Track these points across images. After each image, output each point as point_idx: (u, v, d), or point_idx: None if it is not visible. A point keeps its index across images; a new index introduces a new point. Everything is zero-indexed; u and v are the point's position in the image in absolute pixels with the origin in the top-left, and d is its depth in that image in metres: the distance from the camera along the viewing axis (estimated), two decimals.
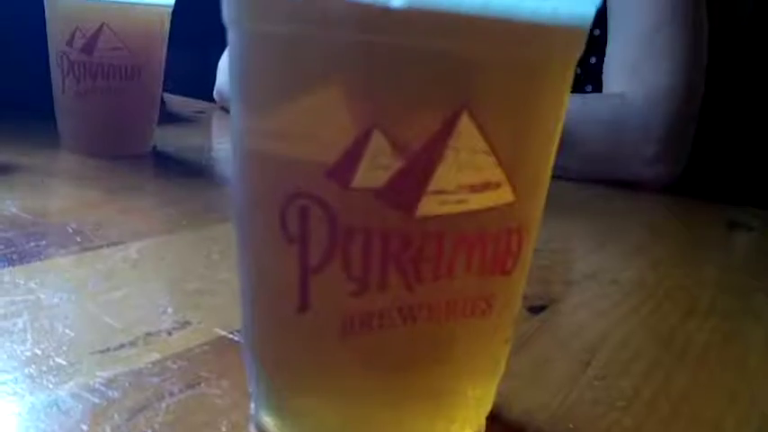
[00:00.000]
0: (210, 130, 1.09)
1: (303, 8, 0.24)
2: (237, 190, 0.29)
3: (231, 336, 0.39)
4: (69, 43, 0.77)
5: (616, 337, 0.45)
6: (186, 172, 0.78)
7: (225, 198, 0.68)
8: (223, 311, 0.42)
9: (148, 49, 0.80)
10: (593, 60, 1.06)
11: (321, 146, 0.26)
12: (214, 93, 1.22)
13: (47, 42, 0.80)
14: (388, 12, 0.23)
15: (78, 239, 0.53)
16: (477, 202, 0.26)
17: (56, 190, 0.67)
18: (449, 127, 0.25)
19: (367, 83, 0.25)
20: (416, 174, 0.25)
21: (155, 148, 0.85)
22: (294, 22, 0.25)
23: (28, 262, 0.48)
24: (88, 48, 0.76)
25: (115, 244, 0.53)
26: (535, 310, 0.48)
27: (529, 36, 0.25)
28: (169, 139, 0.89)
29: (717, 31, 1.07)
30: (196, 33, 1.46)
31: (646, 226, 0.80)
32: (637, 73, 0.98)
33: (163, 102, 0.90)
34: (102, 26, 0.76)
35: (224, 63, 1.21)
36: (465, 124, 0.25)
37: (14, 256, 0.48)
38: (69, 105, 0.79)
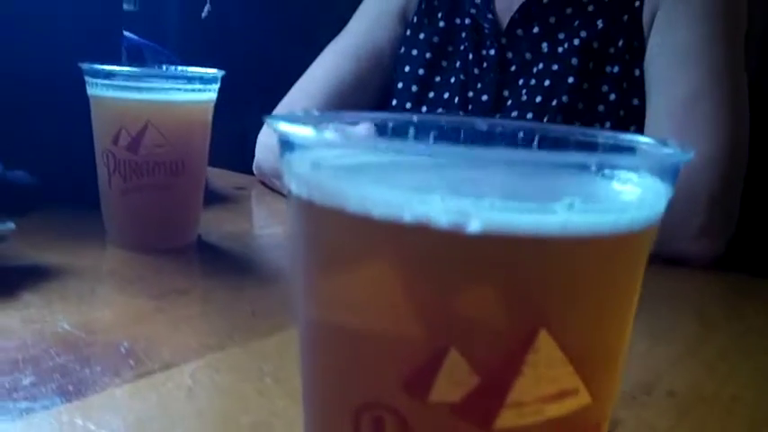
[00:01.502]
0: (251, 211, 1.10)
1: (380, 232, 0.24)
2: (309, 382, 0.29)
3: None
4: (115, 142, 0.78)
5: None
6: (231, 268, 0.78)
7: (269, 300, 0.68)
8: None
9: (192, 144, 0.81)
10: (632, 130, 1.05)
11: (397, 355, 0.25)
12: (254, 167, 1.23)
13: (93, 138, 0.81)
14: (464, 237, 0.23)
15: (131, 362, 0.53)
16: (556, 410, 0.26)
17: (105, 298, 0.68)
18: (526, 344, 0.25)
19: (441, 301, 0.24)
20: (494, 389, 0.25)
21: (199, 237, 0.85)
22: (372, 252, 0.25)
23: (84, 395, 0.48)
24: (133, 146, 0.77)
25: (168, 367, 0.53)
26: None
27: (607, 250, 0.25)
28: (212, 225, 0.90)
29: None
30: (235, 105, 1.47)
31: (695, 315, 0.79)
32: (679, 142, 0.97)
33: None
34: (146, 125, 0.77)
35: (263, 138, 1.22)
36: (543, 340, 0.25)
37: (70, 387, 0.48)
38: (116, 202, 0.80)
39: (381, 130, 0.32)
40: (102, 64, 0.80)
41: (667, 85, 1.01)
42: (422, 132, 0.31)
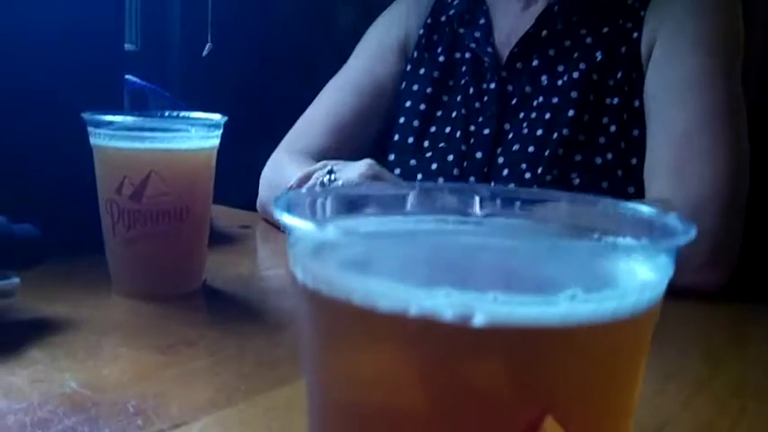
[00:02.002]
0: (256, 251, 1.10)
1: (386, 325, 0.25)
2: None
3: None
4: (118, 191, 0.78)
5: None
6: (237, 315, 0.78)
7: (276, 351, 0.68)
8: None
9: (196, 191, 0.81)
10: (633, 161, 1.05)
11: None
12: (257, 204, 1.23)
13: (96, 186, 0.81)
14: (469, 329, 0.23)
15: (140, 422, 0.53)
16: None
17: (111, 351, 0.68)
18: (533, 427, 0.25)
19: (448, 390, 0.24)
20: None
21: (205, 281, 0.86)
22: (378, 341, 0.25)
23: None
24: (137, 196, 0.77)
25: (177, 426, 0.53)
26: None
27: (610, 336, 0.25)
28: (217, 268, 0.90)
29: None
30: (238, 141, 1.48)
31: (704, 350, 0.79)
32: (679, 178, 0.97)
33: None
34: (149, 174, 0.77)
35: (267, 175, 1.22)
36: (550, 426, 0.25)
37: None
38: (120, 251, 0.80)
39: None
40: (105, 109, 0.81)
41: (667, 118, 1.02)
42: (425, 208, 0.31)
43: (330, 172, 1.04)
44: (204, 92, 1.43)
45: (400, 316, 0.24)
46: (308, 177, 1.07)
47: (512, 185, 1.08)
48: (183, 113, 0.86)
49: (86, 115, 0.79)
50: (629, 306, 0.25)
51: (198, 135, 0.81)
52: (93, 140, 0.80)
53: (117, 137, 0.78)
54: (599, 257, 0.26)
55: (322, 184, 1.03)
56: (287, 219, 0.26)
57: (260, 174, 1.26)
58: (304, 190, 1.05)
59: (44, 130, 0.90)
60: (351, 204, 0.32)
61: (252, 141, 1.46)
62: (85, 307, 0.76)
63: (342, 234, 0.26)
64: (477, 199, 0.34)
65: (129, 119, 0.79)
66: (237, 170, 1.52)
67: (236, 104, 1.45)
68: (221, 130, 0.83)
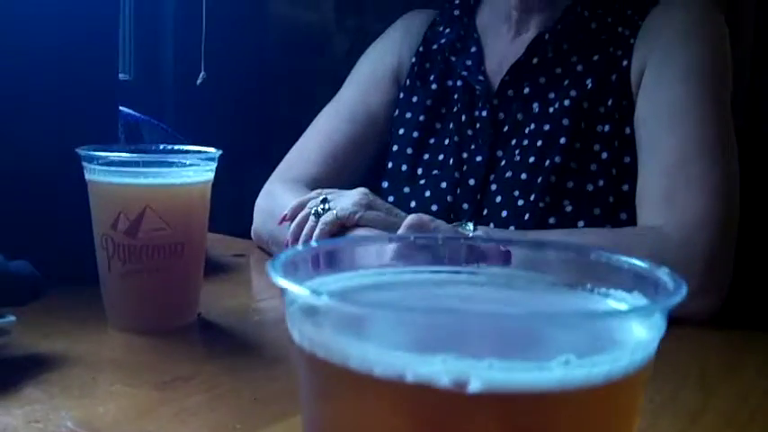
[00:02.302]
0: (251, 282, 1.10)
1: (382, 390, 0.25)
2: None
3: None
4: (113, 226, 0.78)
5: None
6: (233, 349, 0.79)
7: (272, 386, 0.68)
8: None
9: (192, 225, 0.81)
10: (625, 188, 1.06)
11: None
12: (252, 233, 1.23)
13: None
14: (465, 395, 0.24)
15: None
16: None
17: (107, 388, 0.68)
18: None
19: None
20: None
21: (199, 314, 0.86)
22: (374, 405, 0.25)
23: None
24: (132, 231, 0.78)
25: None
26: None
27: (604, 397, 0.25)
28: (212, 300, 0.90)
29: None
30: (232, 169, 1.48)
31: (697, 379, 0.79)
32: (671, 205, 0.98)
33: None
34: (145, 209, 0.77)
35: (261, 203, 1.22)
36: None
37: None
38: (115, 285, 0.80)
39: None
40: (100, 141, 0.82)
41: (658, 146, 1.03)
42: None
43: (324, 201, 1.05)
44: (199, 120, 1.44)
45: (396, 381, 0.24)
46: (301, 206, 1.07)
47: (504, 213, 1.09)
48: (177, 147, 0.87)
49: (81, 150, 0.79)
50: (622, 368, 0.25)
51: (193, 169, 0.81)
52: (87, 176, 0.80)
53: (112, 172, 0.78)
54: (594, 321, 0.26)
55: (316, 213, 1.04)
56: (282, 282, 0.26)
57: (254, 201, 1.27)
58: (298, 219, 1.06)
59: (38, 162, 0.90)
60: (346, 258, 0.32)
61: (247, 168, 1.46)
62: (81, 342, 0.77)
63: (336, 301, 0.26)
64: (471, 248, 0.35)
65: (123, 155, 0.79)
66: (232, 197, 1.52)
67: (232, 131, 1.47)
68: (216, 163, 0.83)
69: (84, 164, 0.80)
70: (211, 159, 0.82)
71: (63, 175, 0.84)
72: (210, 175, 0.83)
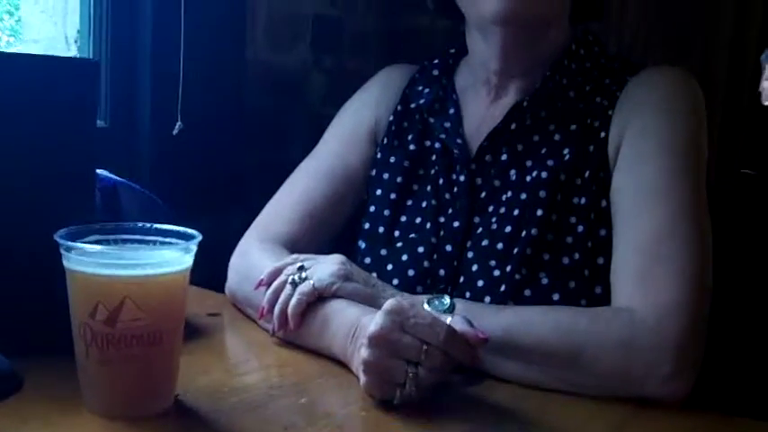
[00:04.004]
0: (227, 350, 1.10)
1: None
2: None
3: None
4: (92, 316, 0.78)
5: None
6: None
7: None
8: None
9: (170, 314, 0.81)
10: (600, 261, 1.07)
11: None
12: (226, 290, 1.23)
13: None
14: None
15: None
16: None
17: None
18: None
19: None
20: None
21: (177, 396, 0.86)
22: None
23: None
24: (111, 321, 0.78)
25: None
26: None
27: None
28: (189, 377, 0.89)
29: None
30: (208, 220, 1.48)
31: None
32: (645, 284, 0.99)
33: None
34: (124, 300, 0.77)
35: (236, 262, 1.22)
36: None
37: None
38: (93, 371, 0.80)
39: None
40: (77, 214, 0.81)
41: (633, 222, 1.04)
42: None
43: (301, 268, 1.05)
44: (175, 168, 1.43)
45: None
46: (278, 272, 1.07)
47: (480, 282, 1.10)
48: (156, 226, 0.86)
49: (59, 238, 0.79)
50: None
51: (172, 258, 0.81)
52: (65, 263, 0.80)
53: (89, 263, 0.78)
54: None
55: (293, 282, 1.04)
56: None
57: (231, 249, 1.26)
58: (275, 286, 1.06)
59: (13, 239, 0.89)
60: None
61: (223, 219, 1.46)
62: (59, 427, 0.77)
63: None
64: None
65: (100, 247, 0.79)
66: (208, 249, 1.52)
67: (207, 182, 1.46)
68: (196, 249, 0.83)
69: (62, 251, 0.79)
70: (191, 247, 0.82)
71: (38, 250, 0.83)
72: (190, 262, 0.83)
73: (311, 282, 1.03)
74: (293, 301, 1.02)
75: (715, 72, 2.38)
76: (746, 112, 2.84)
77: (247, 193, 1.54)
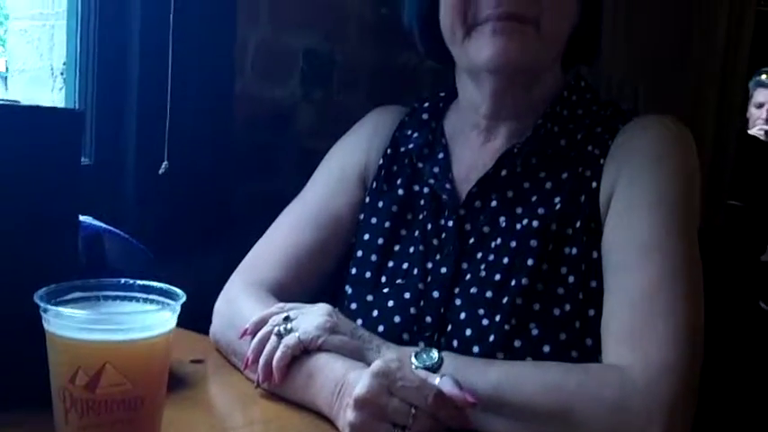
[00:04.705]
0: (212, 401, 1.08)
1: None
2: None
3: None
4: (72, 381, 0.76)
5: None
6: None
7: None
8: None
9: (152, 378, 0.79)
10: (591, 313, 1.06)
11: None
12: (210, 335, 1.21)
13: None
14: None
15: None
16: None
17: None
18: None
19: None
20: None
21: None
22: None
23: None
24: (91, 386, 0.75)
25: None
26: None
27: None
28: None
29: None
30: (193, 261, 1.46)
31: None
32: (636, 343, 0.97)
33: None
34: (104, 365, 0.75)
35: (220, 308, 1.20)
36: None
37: None
38: None
39: None
40: (58, 268, 0.79)
41: (625, 277, 1.02)
42: None
43: (286, 319, 1.03)
44: (161, 207, 1.41)
45: None
46: (263, 322, 1.06)
47: (468, 331, 1.08)
48: (139, 283, 0.85)
49: (39, 300, 0.77)
50: None
51: (155, 322, 0.79)
52: (46, 326, 0.78)
53: (70, 327, 0.76)
54: None
55: (278, 333, 1.02)
56: None
57: (218, 290, 1.25)
58: (260, 336, 1.04)
59: None
60: None
61: (210, 256, 1.44)
62: None
63: None
64: None
65: (83, 313, 0.77)
66: (192, 292, 1.50)
67: (193, 223, 1.44)
68: (179, 310, 0.82)
69: (42, 314, 0.77)
70: (173, 309, 0.81)
71: (18, 302, 0.81)
72: (173, 324, 0.81)
73: (297, 334, 1.01)
74: (278, 353, 1.01)
75: (705, 105, 2.39)
76: (735, 145, 2.87)
77: (235, 229, 1.52)
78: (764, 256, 3.20)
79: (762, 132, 3.63)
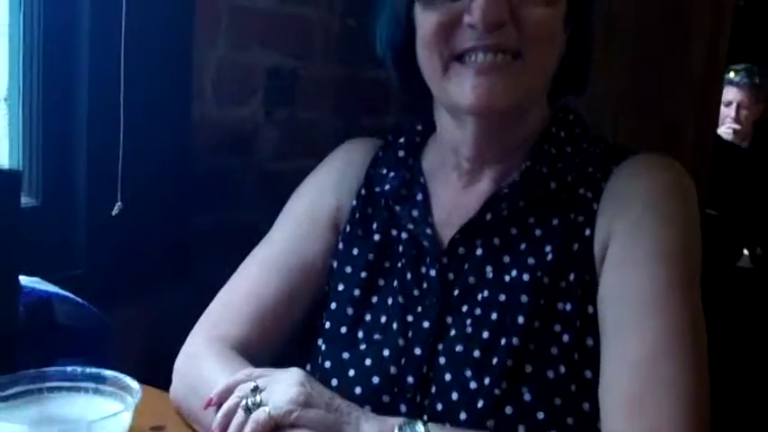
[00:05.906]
0: None
1: None
2: None
3: None
4: None
5: None
6: None
7: None
8: None
9: None
10: (588, 375, 0.97)
11: None
12: (170, 394, 1.10)
13: None
14: None
15: None
16: None
17: None
18: None
19: None
20: None
21: None
22: None
23: None
24: None
25: None
26: None
27: None
28: None
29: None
30: (152, 310, 1.36)
31: None
32: (640, 409, 0.90)
33: None
34: None
35: (180, 367, 1.10)
36: None
37: None
38: None
39: None
40: None
41: (626, 336, 0.94)
42: None
43: (255, 390, 0.93)
44: (115, 249, 1.30)
45: None
46: (229, 392, 0.96)
47: (455, 395, 0.99)
48: (91, 370, 0.75)
49: None
50: None
51: (108, 426, 0.70)
52: None
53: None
54: None
55: (246, 408, 0.92)
56: None
57: (178, 335, 1.14)
58: (225, 409, 0.94)
59: None
60: None
61: (169, 297, 1.34)
62: None
63: None
64: None
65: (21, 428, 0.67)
66: (152, 345, 1.40)
67: (153, 254, 1.33)
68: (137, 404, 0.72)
69: None
70: (130, 403, 0.71)
71: None
72: (128, 424, 0.71)
73: (267, 408, 0.91)
74: (246, 430, 0.91)
75: (685, 117, 2.34)
76: (711, 154, 2.82)
77: (197, 267, 1.42)
78: (740, 263, 3.17)
79: (729, 131, 3.58)
